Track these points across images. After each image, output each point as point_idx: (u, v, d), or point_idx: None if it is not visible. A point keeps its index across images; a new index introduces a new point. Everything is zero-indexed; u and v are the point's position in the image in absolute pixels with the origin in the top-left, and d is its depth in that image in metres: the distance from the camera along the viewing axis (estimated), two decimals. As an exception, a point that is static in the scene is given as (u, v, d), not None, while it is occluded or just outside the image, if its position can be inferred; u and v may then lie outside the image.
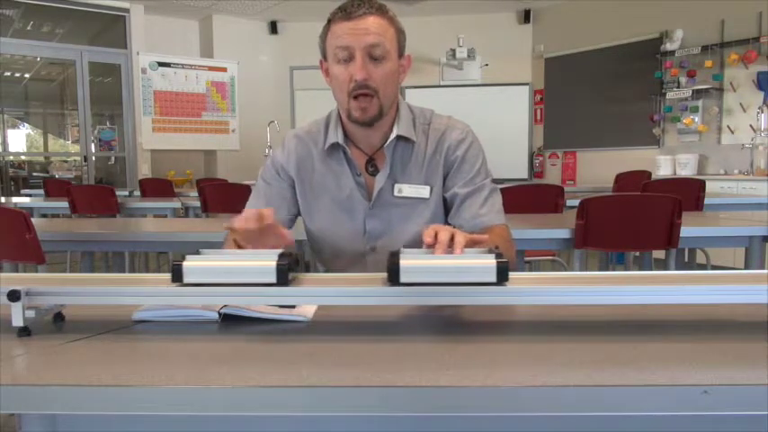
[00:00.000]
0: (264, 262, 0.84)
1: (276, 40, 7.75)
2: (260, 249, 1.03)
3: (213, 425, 0.79)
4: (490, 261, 0.82)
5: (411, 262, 0.83)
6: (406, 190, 1.34)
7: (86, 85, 6.77)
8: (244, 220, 1.03)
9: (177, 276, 0.85)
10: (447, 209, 1.37)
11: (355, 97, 1.23)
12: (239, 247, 1.12)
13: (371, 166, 1.34)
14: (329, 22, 1.26)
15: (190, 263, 0.85)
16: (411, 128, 1.34)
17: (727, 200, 3.79)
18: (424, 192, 1.34)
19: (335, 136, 1.33)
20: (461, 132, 1.36)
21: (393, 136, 1.32)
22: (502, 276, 0.81)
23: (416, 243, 1.34)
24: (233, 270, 0.85)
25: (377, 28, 1.22)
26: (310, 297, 0.87)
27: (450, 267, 0.83)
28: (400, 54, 1.29)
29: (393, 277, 0.82)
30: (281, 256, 0.85)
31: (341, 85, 1.25)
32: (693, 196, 3.30)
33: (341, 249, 1.38)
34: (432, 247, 0.91)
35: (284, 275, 0.83)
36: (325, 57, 1.30)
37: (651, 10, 6.07)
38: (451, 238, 0.92)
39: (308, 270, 2.10)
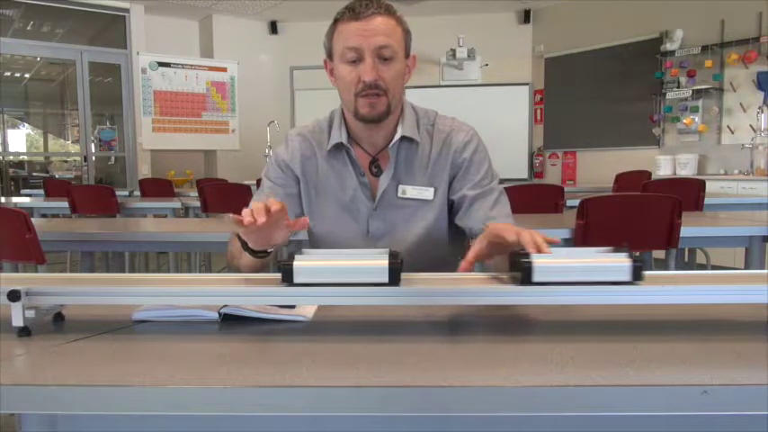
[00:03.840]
0: (376, 261, 0.83)
1: (276, 40, 7.75)
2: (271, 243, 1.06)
3: (213, 425, 0.79)
4: (625, 260, 0.82)
5: (545, 261, 0.82)
6: (410, 191, 1.33)
7: (86, 85, 6.77)
8: (252, 213, 0.96)
9: (287, 277, 0.83)
10: (454, 211, 1.36)
11: (364, 95, 1.23)
12: (243, 242, 1.10)
13: (375, 167, 1.34)
14: (336, 21, 1.25)
15: (300, 263, 0.84)
16: (415, 128, 1.34)
17: (727, 200, 3.79)
18: (427, 194, 1.34)
19: (339, 136, 1.32)
20: (467, 134, 1.36)
21: (397, 136, 1.31)
22: (637, 275, 0.81)
23: (419, 245, 1.35)
24: (344, 270, 0.83)
25: (385, 28, 1.21)
26: (310, 297, 0.87)
27: (584, 267, 0.82)
28: (407, 54, 1.28)
29: (526, 277, 0.81)
30: (391, 255, 0.84)
31: (348, 85, 1.24)
32: (693, 196, 3.30)
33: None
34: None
35: (397, 275, 0.82)
36: (330, 56, 1.29)
37: (651, 10, 6.07)
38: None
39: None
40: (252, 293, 0.86)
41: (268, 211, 0.96)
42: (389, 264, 0.82)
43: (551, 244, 0.92)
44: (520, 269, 0.82)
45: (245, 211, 0.97)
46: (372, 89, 1.22)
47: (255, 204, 0.98)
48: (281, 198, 1.36)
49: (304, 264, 0.84)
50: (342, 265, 0.84)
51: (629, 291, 0.81)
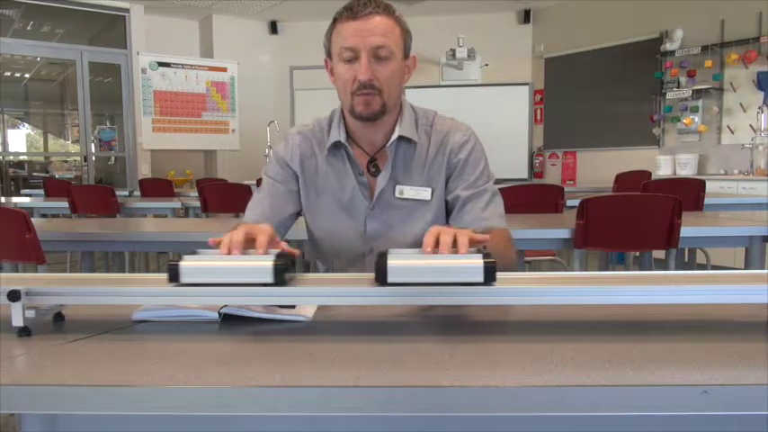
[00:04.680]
0: (262, 262, 0.84)
1: (276, 40, 7.75)
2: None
3: (213, 425, 0.79)
4: (477, 261, 0.82)
5: (399, 262, 0.82)
6: (408, 192, 1.34)
7: (86, 85, 6.77)
8: (228, 246, 0.91)
9: (174, 276, 0.84)
10: (449, 211, 1.36)
11: (359, 94, 1.23)
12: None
13: (373, 167, 1.34)
14: (335, 21, 1.25)
15: (186, 263, 0.85)
16: (413, 128, 1.34)
17: (727, 200, 3.79)
18: (425, 194, 1.34)
19: (338, 134, 1.33)
20: (464, 135, 1.36)
21: (395, 136, 1.31)
22: (489, 276, 0.81)
23: (416, 245, 1.33)
24: (230, 270, 0.85)
25: (383, 28, 1.21)
26: (309, 297, 0.87)
27: (437, 267, 0.83)
28: (406, 55, 1.28)
29: (381, 277, 0.82)
30: (278, 256, 0.85)
31: (344, 84, 1.25)
32: (693, 196, 3.30)
33: (341, 249, 1.38)
34: (434, 251, 0.90)
35: (281, 275, 0.83)
36: (329, 56, 1.29)
37: (651, 10, 6.07)
38: (454, 240, 0.91)
39: (308, 270, 2.10)
40: (252, 293, 0.86)
41: (246, 244, 0.92)
42: (275, 264, 0.83)
43: (481, 241, 0.92)
44: (376, 270, 0.83)
45: (224, 244, 0.92)
46: (367, 88, 1.22)
47: (236, 235, 0.92)
48: (280, 195, 1.37)
49: (190, 264, 0.85)
50: (228, 266, 0.85)
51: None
